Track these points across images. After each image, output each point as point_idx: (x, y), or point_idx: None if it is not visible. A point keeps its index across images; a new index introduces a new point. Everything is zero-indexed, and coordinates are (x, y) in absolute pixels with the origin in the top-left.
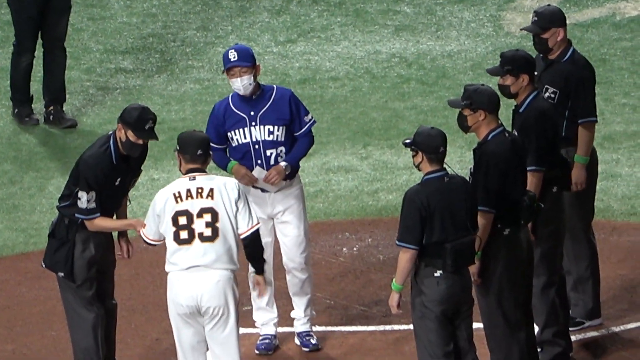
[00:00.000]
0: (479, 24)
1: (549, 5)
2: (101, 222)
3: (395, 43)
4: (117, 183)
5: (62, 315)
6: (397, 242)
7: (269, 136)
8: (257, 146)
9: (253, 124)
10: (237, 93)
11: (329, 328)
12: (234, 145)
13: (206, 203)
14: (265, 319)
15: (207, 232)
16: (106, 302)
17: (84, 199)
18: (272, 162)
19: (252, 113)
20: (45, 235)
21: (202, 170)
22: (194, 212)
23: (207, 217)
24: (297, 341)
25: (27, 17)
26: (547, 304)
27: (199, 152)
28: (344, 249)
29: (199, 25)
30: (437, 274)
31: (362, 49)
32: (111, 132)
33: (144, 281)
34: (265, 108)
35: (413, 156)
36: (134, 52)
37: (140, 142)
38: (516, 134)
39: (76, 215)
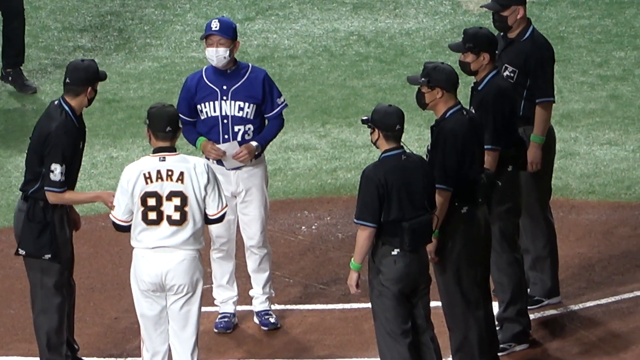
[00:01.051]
0: (437, 2)
1: None
2: (71, 195)
3: (354, 21)
4: (80, 147)
5: (21, 294)
6: (355, 220)
7: (238, 112)
8: (225, 121)
9: (224, 98)
10: (211, 66)
11: (288, 306)
12: (202, 118)
13: (176, 187)
14: (224, 297)
15: (176, 215)
16: (69, 281)
17: (57, 172)
18: (239, 138)
19: (224, 87)
20: (4, 213)
21: (171, 149)
22: (163, 194)
23: (176, 201)
24: (256, 320)
25: None
26: (513, 281)
27: (168, 128)
28: (303, 227)
29: (157, 3)
30: (395, 252)
31: (320, 27)
32: (57, 100)
33: (103, 260)
34: (238, 84)
35: (371, 133)
36: (92, 30)
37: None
38: (474, 111)
39: (47, 188)
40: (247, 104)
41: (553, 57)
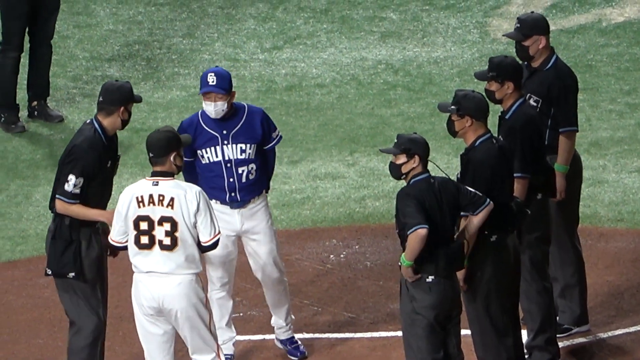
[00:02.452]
0: (465, 30)
1: (532, 12)
2: (78, 209)
3: (382, 50)
4: (108, 165)
5: (50, 324)
6: (407, 233)
7: (241, 154)
8: (229, 164)
9: (225, 142)
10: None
11: (316, 335)
12: (204, 162)
13: (166, 212)
14: (224, 338)
15: (167, 240)
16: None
17: (71, 182)
18: (243, 179)
19: (224, 132)
20: (33, 243)
21: (167, 174)
22: (155, 219)
23: (167, 226)
24: (279, 345)
25: (19, 14)
26: (542, 310)
27: (150, 154)
28: (331, 256)
29: (185, 32)
30: (429, 279)
31: (348, 55)
32: (89, 120)
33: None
34: (238, 127)
35: (404, 162)
36: (120, 60)
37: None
38: (502, 139)
39: (58, 195)
40: (248, 145)
41: (576, 86)
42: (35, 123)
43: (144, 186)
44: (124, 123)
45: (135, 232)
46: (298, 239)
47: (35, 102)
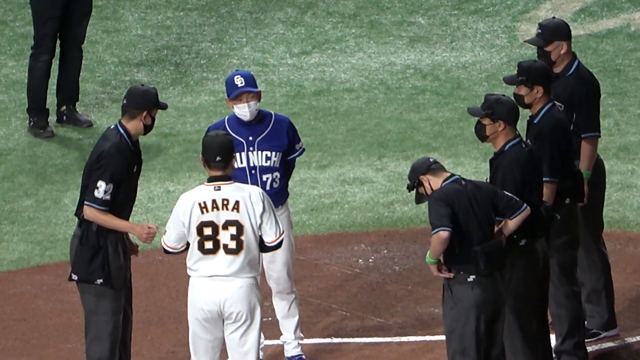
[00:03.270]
0: (494, 35)
1: (554, 17)
2: (108, 218)
3: (410, 54)
4: (134, 171)
5: (78, 328)
6: (431, 233)
7: (266, 162)
8: (253, 171)
9: (251, 149)
10: (234, 117)
11: (345, 340)
12: None
13: (231, 216)
14: None
15: (232, 244)
16: (126, 310)
17: (101, 189)
18: (267, 187)
19: (250, 138)
20: (62, 247)
21: (226, 178)
22: (220, 223)
23: (232, 230)
24: None
25: (50, 18)
26: (571, 314)
27: (218, 158)
28: (360, 260)
29: (213, 37)
30: (471, 279)
31: (376, 60)
32: (113, 125)
33: (160, 293)
34: (264, 134)
35: (421, 190)
36: (148, 64)
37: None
38: (530, 144)
39: (87, 202)
40: (273, 153)
41: (599, 92)
42: (64, 128)
43: (205, 192)
44: (147, 128)
45: (198, 238)
46: (326, 244)
47: (64, 107)
